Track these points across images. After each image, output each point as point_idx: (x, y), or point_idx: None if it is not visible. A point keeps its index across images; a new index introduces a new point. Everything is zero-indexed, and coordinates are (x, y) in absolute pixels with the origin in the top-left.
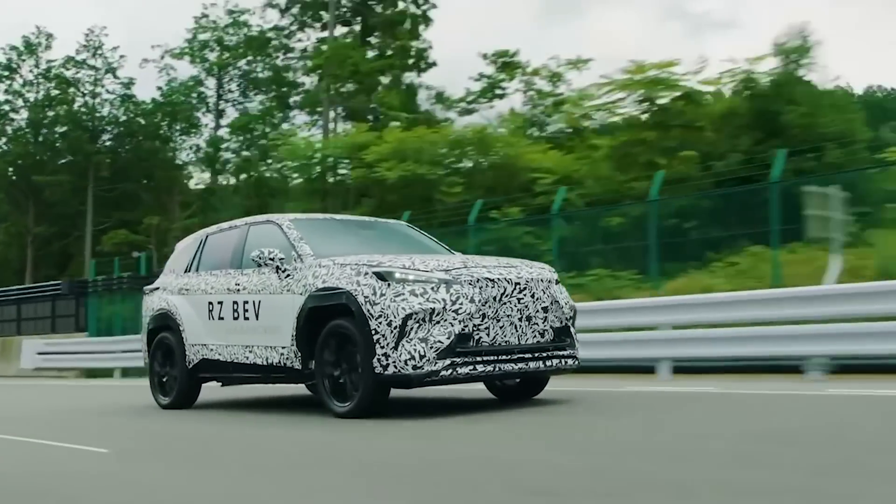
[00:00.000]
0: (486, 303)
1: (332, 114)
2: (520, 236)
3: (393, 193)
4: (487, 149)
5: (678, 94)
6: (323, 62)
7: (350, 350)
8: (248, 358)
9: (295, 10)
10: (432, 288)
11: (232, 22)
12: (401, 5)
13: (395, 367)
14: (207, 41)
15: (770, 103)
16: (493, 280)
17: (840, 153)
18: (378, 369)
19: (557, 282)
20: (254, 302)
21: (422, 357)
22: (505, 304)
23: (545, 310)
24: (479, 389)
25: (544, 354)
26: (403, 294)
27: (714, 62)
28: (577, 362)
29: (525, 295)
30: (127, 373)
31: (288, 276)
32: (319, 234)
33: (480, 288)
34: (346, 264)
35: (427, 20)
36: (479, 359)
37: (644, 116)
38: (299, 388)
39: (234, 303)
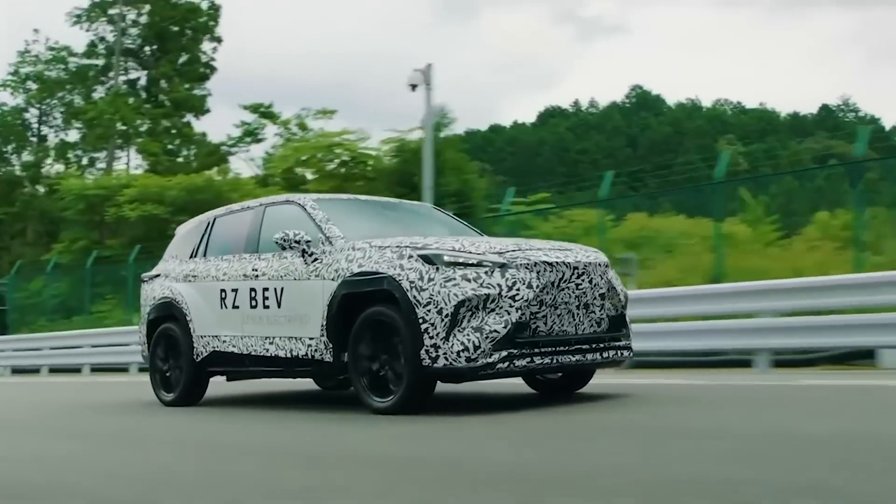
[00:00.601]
0: (543, 288)
1: (121, 151)
2: None
3: (136, 229)
4: (219, 192)
5: (349, 157)
6: (96, 113)
7: (391, 340)
8: (267, 350)
9: (95, 58)
10: (486, 272)
11: (52, 58)
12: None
13: (447, 359)
14: (29, 74)
15: (410, 166)
16: (551, 264)
17: (455, 207)
18: (426, 361)
19: (612, 267)
20: (275, 289)
21: (476, 348)
22: (563, 290)
23: (602, 297)
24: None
25: (602, 345)
26: (455, 279)
27: (378, 132)
28: (632, 353)
29: (583, 280)
30: None
31: (316, 260)
32: (345, 215)
33: (538, 272)
34: (385, 246)
35: (212, 69)
36: (536, 350)
37: (331, 170)
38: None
39: (252, 290)
